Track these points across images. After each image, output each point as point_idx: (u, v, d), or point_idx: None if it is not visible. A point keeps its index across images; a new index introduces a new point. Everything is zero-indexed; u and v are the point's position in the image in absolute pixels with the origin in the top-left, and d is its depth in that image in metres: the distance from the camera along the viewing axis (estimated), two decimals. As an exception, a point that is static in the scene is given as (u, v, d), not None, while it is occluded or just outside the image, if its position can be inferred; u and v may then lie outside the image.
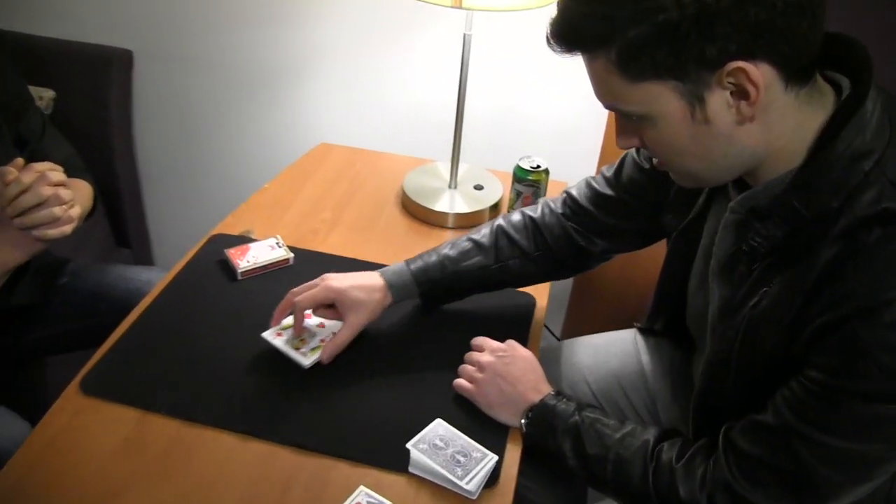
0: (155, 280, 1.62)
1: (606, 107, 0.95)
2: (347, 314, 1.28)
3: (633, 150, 1.27)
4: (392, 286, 1.32)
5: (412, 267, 1.34)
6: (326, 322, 1.32)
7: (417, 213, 1.72)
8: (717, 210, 1.10)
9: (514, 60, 2.00)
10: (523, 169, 1.65)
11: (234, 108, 2.27)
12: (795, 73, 0.86)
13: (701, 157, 0.93)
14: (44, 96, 2.07)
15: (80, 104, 2.16)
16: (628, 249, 1.36)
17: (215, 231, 1.59)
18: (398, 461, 1.10)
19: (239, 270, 1.44)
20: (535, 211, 1.38)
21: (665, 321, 1.38)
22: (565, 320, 2.15)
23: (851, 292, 0.84)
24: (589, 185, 1.33)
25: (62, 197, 1.23)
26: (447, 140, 1.75)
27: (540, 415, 1.16)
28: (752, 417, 0.98)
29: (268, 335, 1.28)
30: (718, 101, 0.86)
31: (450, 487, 1.08)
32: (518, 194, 1.68)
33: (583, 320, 1.79)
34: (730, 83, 0.84)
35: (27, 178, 1.19)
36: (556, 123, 2.05)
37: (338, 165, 1.92)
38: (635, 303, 1.47)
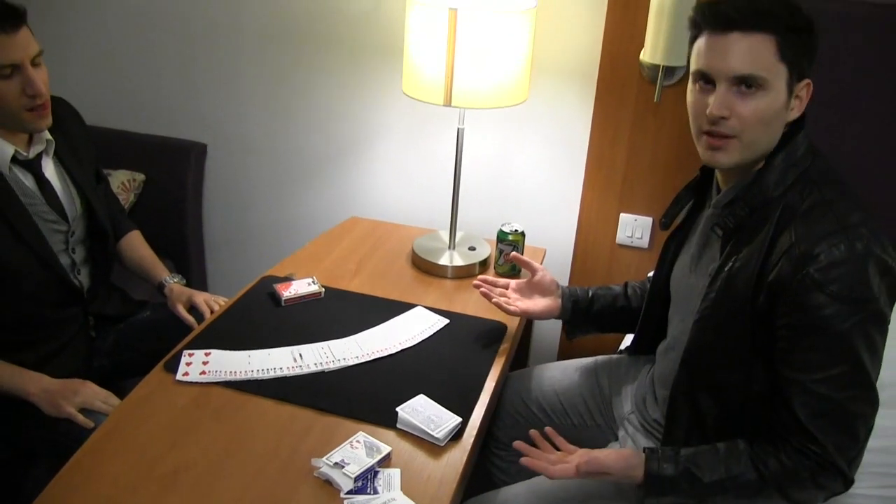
0: None
1: (739, 76, 1.26)
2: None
3: None
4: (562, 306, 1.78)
5: (566, 290, 1.79)
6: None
7: (423, 266, 2.16)
8: (698, 215, 1.55)
9: (501, 148, 2.47)
10: (504, 232, 2.11)
11: (283, 187, 2.76)
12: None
13: (768, 133, 1.31)
14: (136, 178, 2.59)
15: (164, 185, 2.66)
16: None
17: (266, 274, 2.06)
18: (389, 420, 1.52)
19: (283, 299, 1.90)
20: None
21: (650, 336, 1.72)
22: (560, 344, 2.65)
23: (789, 246, 1.25)
24: None
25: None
26: (448, 212, 2.21)
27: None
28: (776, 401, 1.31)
29: None
30: (792, 98, 1.31)
31: (425, 438, 1.48)
32: (500, 252, 2.13)
33: (574, 345, 2.20)
34: (799, 89, 1.31)
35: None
36: (537, 198, 2.50)
37: (363, 233, 2.37)
38: (612, 337, 1.99)
